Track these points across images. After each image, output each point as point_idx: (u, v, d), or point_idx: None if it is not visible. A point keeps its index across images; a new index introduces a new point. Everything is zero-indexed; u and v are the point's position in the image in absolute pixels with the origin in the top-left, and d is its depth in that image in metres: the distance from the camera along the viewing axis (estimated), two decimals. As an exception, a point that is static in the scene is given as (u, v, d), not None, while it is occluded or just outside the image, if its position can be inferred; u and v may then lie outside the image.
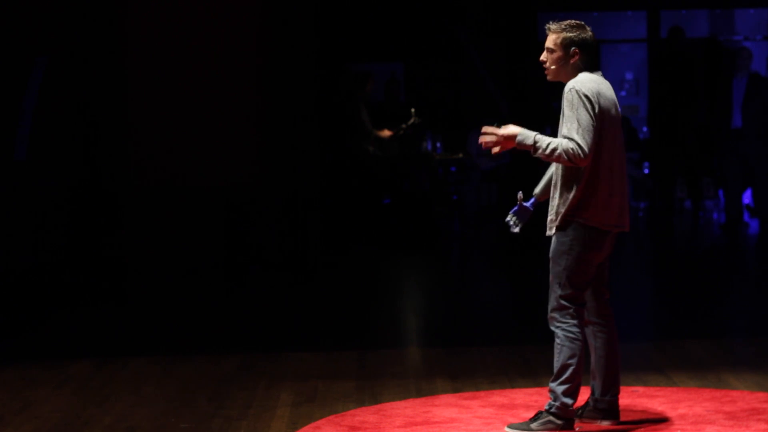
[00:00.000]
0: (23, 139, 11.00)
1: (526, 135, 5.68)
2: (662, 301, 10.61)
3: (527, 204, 6.09)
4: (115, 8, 11.74)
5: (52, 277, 11.28)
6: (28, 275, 11.24)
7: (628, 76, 20.43)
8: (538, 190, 6.09)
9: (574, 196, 5.70)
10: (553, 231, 5.79)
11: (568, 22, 5.83)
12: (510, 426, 5.90)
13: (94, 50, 11.66)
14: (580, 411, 5.96)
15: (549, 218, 5.83)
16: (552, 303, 5.80)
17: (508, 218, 6.09)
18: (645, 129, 18.83)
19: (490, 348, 7.99)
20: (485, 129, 5.77)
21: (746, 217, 15.58)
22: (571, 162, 5.61)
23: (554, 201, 5.81)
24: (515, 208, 6.09)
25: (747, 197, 15.98)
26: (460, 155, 15.93)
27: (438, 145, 16.18)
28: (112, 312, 10.23)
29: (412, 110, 14.55)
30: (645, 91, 19.24)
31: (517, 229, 6.06)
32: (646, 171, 18.00)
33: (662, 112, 15.64)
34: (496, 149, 5.75)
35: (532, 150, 5.66)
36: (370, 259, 13.40)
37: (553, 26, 5.82)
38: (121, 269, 11.66)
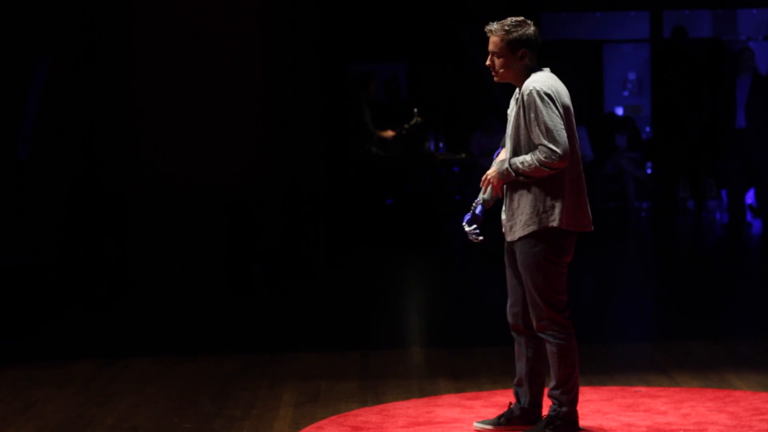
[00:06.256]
0: (26, 139, 10.99)
1: (500, 167, 5.62)
2: (665, 301, 10.60)
3: (477, 212, 5.84)
4: (119, 8, 11.74)
5: (54, 277, 11.28)
6: (30, 275, 11.23)
7: (631, 76, 20.43)
8: (487, 195, 5.83)
9: (542, 200, 5.57)
10: (517, 237, 5.63)
11: (509, 21, 5.66)
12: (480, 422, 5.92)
13: (97, 50, 11.67)
14: (502, 418, 5.88)
15: (509, 223, 5.67)
16: (538, 313, 5.64)
17: (469, 229, 5.79)
18: (648, 129, 18.83)
19: (492, 348, 7.98)
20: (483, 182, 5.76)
21: (749, 217, 15.58)
22: (552, 169, 5.48)
23: (514, 205, 5.64)
24: (468, 216, 5.82)
25: (750, 197, 15.97)
26: (463, 155, 15.93)
27: (441, 145, 16.19)
28: (115, 312, 10.23)
29: (415, 110, 14.55)
30: (648, 91, 19.25)
31: (481, 238, 5.79)
32: (649, 171, 18.01)
33: (665, 112, 15.63)
34: (497, 187, 5.69)
35: (515, 176, 5.55)
36: (373, 259, 13.39)
37: (495, 27, 5.66)
38: (124, 269, 11.65)
